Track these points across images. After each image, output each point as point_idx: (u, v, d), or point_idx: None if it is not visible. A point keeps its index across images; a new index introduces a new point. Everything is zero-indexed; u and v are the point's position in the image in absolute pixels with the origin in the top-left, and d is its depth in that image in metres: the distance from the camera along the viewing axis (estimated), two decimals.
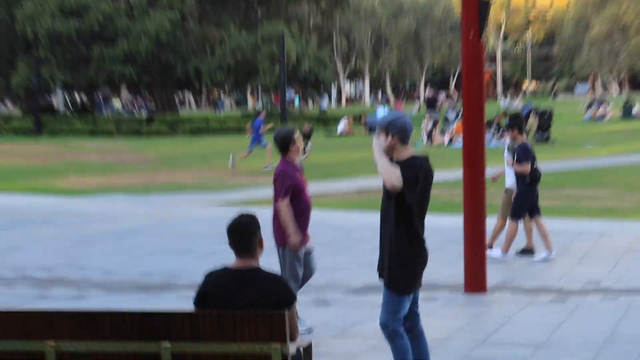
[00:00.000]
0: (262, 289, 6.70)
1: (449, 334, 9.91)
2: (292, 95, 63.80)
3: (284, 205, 9.73)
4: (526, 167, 13.83)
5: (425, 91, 66.52)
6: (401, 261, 7.42)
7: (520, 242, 14.98)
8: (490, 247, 14.32)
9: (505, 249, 14.30)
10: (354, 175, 23.77)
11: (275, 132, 10.10)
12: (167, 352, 6.51)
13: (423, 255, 7.51)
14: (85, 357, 6.64)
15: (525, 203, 14.02)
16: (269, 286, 6.71)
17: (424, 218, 7.49)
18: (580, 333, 9.85)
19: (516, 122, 14.14)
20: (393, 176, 7.24)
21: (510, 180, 14.44)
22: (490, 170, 13.89)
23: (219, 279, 6.79)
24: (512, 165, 14.10)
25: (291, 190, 9.78)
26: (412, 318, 7.72)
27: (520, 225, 14.47)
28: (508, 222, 14.24)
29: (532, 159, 13.96)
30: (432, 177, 7.52)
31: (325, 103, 61.43)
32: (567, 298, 11.52)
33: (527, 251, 14.53)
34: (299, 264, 9.76)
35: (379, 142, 7.48)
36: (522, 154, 13.83)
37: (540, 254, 14.30)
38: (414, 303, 7.73)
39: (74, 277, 13.38)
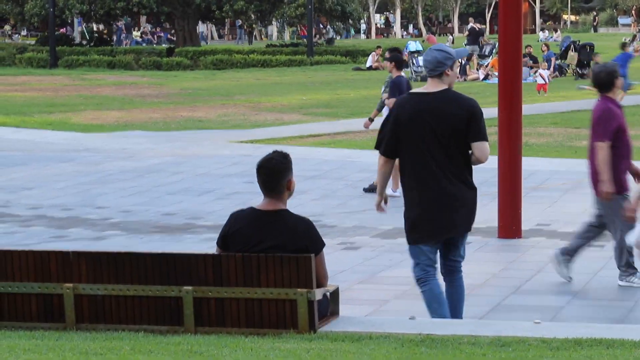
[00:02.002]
0: (288, 232, 6.60)
1: (482, 280, 9.69)
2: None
3: (605, 148, 9.16)
4: (392, 102, 13.87)
5: (465, 24, 65.67)
6: (405, 211, 7.38)
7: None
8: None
9: (395, 186, 14.20)
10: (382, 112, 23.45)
11: (597, 67, 9.59)
12: (188, 296, 6.44)
13: (423, 202, 7.26)
14: (104, 300, 6.50)
15: None
16: (297, 230, 6.60)
17: (421, 161, 7.22)
18: None
19: (394, 55, 14.46)
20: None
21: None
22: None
23: (244, 220, 6.70)
24: (384, 98, 14.44)
25: (614, 133, 9.23)
26: (448, 272, 7.54)
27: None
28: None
29: (403, 94, 13.97)
30: (422, 113, 7.22)
31: (332, 34, 60.61)
32: (606, 243, 11.17)
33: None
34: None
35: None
36: (392, 89, 14.15)
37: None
38: (447, 257, 7.48)
39: (91, 216, 13.28)
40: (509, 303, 8.82)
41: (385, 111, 14.54)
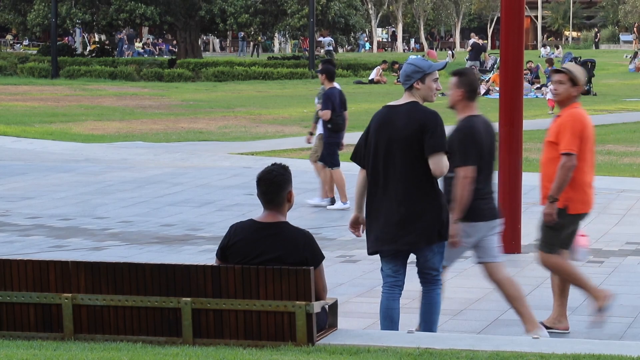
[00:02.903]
0: (288, 244, 6.57)
1: (481, 294, 9.70)
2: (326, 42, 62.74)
3: None
4: (326, 113, 14.34)
5: (467, 39, 65.72)
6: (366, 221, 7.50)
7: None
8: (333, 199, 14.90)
9: (343, 198, 14.68)
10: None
11: None
12: (187, 307, 6.42)
13: (378, 215, 7.31)
14: (103, 311, 6.50)
15: (332, 149, 14.50)
16: (296, 242, 6.58)
17: (381, 172, 7.29)
18: (618, 296, 9.55)
19: (325, 67, 14.68)
20: None
21: (321, 127, 14.88)
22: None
23: (244, 232, 6.71)
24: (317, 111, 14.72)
25: None
26: (423, 283, 7.51)
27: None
28: (329, 171, 14.68)
29: (338, 106, 14.37)
30: (385, 125, 7.30)
31: (330, 45, 60.41)
32: (606, 259, 11.22)
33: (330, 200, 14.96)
34: None
35: None
36: (324, 101, 14.43)
37: (314, 199, 14.89)
38: (419, 267, 7.47)
39: (91, 226, 13.28)
40: (508, 318, 8.80)
41: (320, 123, 14.76)
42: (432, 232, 7.28)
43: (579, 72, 8.22)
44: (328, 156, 14.51)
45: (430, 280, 7.44)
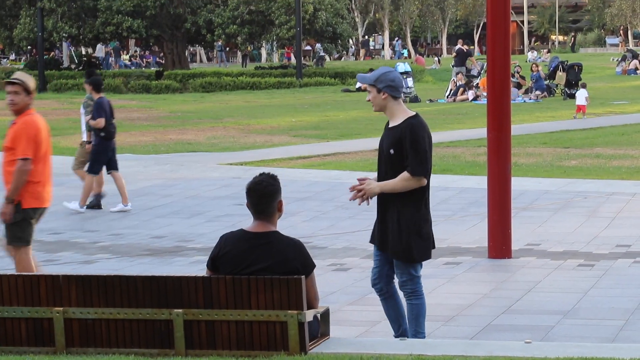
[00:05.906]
0: (279, 254, 6.54)
1: (473, 300, 9.69)
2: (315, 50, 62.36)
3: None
4: (99, 122, 14.98)
5: (454, 45, 65.85)
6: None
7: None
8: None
9: (83, 202, 15.21)
10: (371, 134, 23.39)
11: None
12: (179, 319, 6.41)
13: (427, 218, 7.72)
14: (94, 324, 6.48)
15: (100, 157, 15.16)
16: (287, 252, 6.55)
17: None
18: (609, 299, 9.64)
19: (92, 79, 15.34)
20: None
21: (85, 135, 15.55)
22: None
23: (235, 242, 6.70)
24: (88, 120, 15.24)
25: None
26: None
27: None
28: (86, 176, 15.33)
29: (108, 115, 14.99)
30: None
31: (322, 52, 60.16)
32: (596, 262, 11.22)
33: (95, 205, 15.49)
34: None
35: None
36: (96, 110, 15.00)
37: (117, 205, 15.24)
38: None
39: (81, 240, 13.24)
40: (500, 323, 8.81)
41: (84, 128, 15.44)
42: None
43: (30, 81, 9.04)
44: (93, 163, 15.13)
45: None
